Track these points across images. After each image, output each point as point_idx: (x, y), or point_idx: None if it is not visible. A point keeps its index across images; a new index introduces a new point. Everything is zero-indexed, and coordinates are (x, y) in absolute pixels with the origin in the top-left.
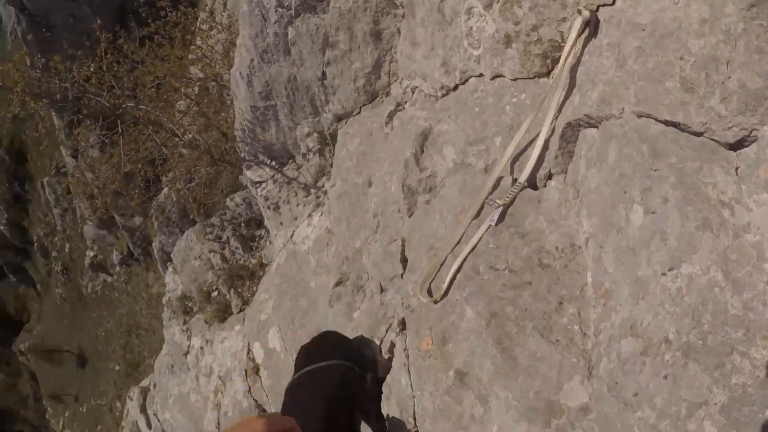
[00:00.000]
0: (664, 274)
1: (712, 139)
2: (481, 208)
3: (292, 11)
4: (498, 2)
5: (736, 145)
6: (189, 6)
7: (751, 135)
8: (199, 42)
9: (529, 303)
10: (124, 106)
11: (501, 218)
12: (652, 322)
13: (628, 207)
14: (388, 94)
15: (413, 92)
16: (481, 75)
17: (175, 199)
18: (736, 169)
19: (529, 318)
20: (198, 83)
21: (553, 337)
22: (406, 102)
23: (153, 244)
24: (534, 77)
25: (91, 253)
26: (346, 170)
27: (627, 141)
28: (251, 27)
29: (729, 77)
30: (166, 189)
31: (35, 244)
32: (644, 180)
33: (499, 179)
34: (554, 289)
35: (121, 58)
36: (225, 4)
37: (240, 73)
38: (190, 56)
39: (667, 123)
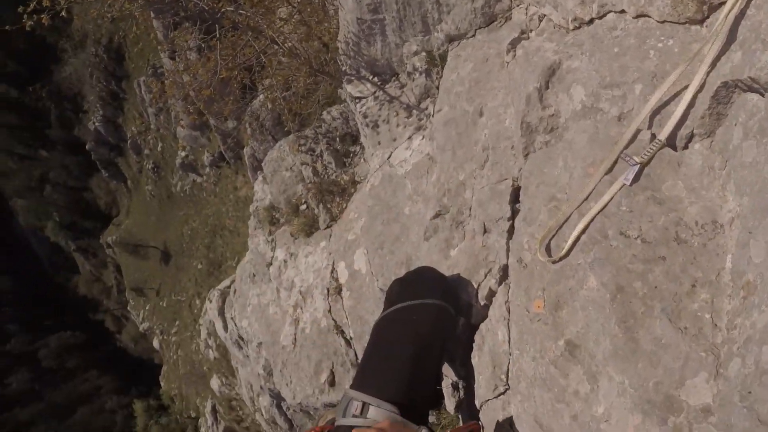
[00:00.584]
0: None
1: None
2: (615, 162)
3: None
4: None
5: None
6: None
7: None
8: None
9: (660, 281)
10: (223, 10)
11: (636, 178)
12: None
13: None
14: (508, 18)
15: (540, 20)
16: (622, 11)
17: (270, 107)
18: None
19: (658, 298)
20: None
21: (681, 324)
22: (531, 30)
23: (244, 150)
24: (686, 23)
25: (183, 153)
26: (456, 96)
27: None
28: None
29: None
30: (261, 96)
31: (129, 141)
32: None
33: (637, 132)
34: (689, 269)
35: None
36: None
37: None
38: None
39: None
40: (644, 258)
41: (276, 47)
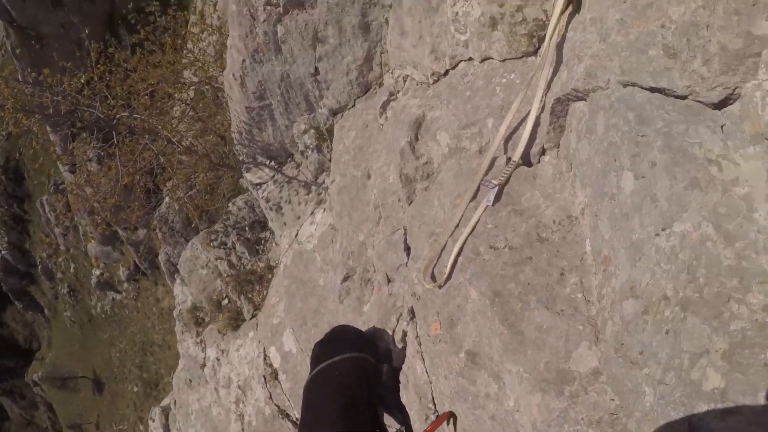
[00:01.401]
0: (657, 234)
1: (696, 101)
2: (478, 189)
3: (281, 8)
4: None
5: (720, 104)
6: (178, 9)
7: (735, 93)
8: (190, 45)
9: (531, 278)
10: (118, 116)
11: (497, 198)
12: (650, 282)
13: (619, 174)
14: (381, 84)
15: (405, 81)
16: (470, 59)
17: (177, 208)
18: (722, 126)
19: (532, 292)
20: (192, 87)
21: (557, 308)
22: (398, 91)
23: (159, 257)
24: (522, 57)
25: (97, 272)
26: (345, 164)
27: (614, 111)
28: (240, 27)
29: (709, 40)
30: (167, 198)
31: (39, 266)
32: (632, 147)
33: (494, 160)
34: (554, 261)
35: (113, 67)
36: (215, 5)
37: (233, 75)
38: (183, 60)
39: (652, 90)
40: (513, 262)
41: (174, 147)
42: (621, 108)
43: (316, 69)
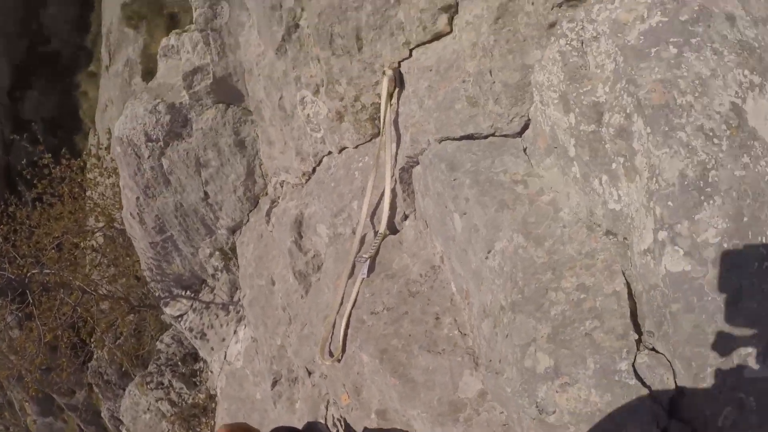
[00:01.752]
0: (486, 258)
1: (502, 135)
2: (353, 266)
3: (161, 142)
4: (323, 86)
5: (523, 131)
6: (72, 157)
7: (529, 118)
8: (89, 192)
9: (410, 329)
10: (29, 273)
11: (371, 269)
12: (491, 299)
13: (451, 217)
14: (266, 193)
15: (282, 186)
16: (329, 153)
17: (107, 359)
18: (525, 149)
19: (413, 341)
20: (99, 233)
21: (438, 348)
22: (278, 197)
23: (102, 414)
24: (371, 139)
25: None
26: (250, 277)
27: (433, 166)
28: (128, 167)
29: (494, 82)
30: (96, 352)
31: None
32: (450, 191)
33: (364, 236)
34: (428, 309)
35: (16, 226)
36: (107, 148)
37: (130, 214)
38: (84, 208)
39: (461, 138)
40: (392, 320)
41: (90, 296)
42: (436, 161)
43: (206, 193)
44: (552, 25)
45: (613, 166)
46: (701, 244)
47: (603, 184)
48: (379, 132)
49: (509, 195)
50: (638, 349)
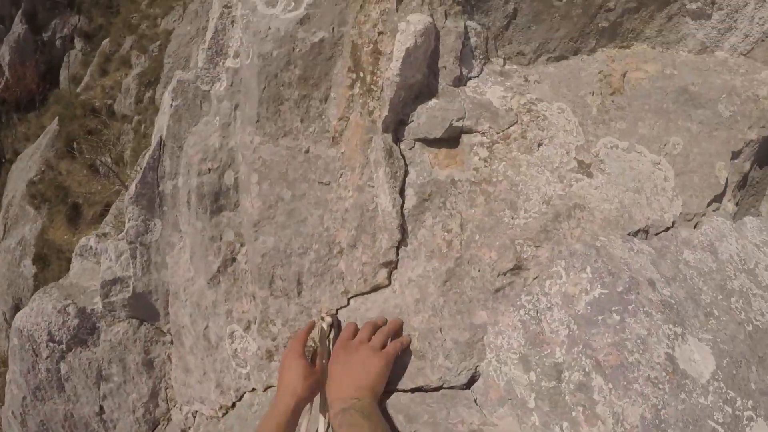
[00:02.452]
0: None
1: (450, 387)
2: None
3: (64, 345)
4: (255, 323)
5: (469, 383)
6: None
7: (477, 371)
8: None
9: None
10: None
11: None
12: None
13: None
14: (169, 420)
15: (195, 416)
16: (253, 389)
17: None
18: (475, 400)
19: None
20: None
21: None
22: (189, 427)
23: None
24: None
25: None
26: None
27: (389, 418)
28: (22, 362)
29: (445, 339)
30: None
31: None
32: None
33: None
34: None
35: None
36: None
37: (12, 412)
38: None
39: (413, 390)
40: None
41: None
42: (392, 413)
43: (101, 408)
44: (498, 290)
45: (574, 414)
46: None
47: (564, 430)
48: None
49: None
50: None
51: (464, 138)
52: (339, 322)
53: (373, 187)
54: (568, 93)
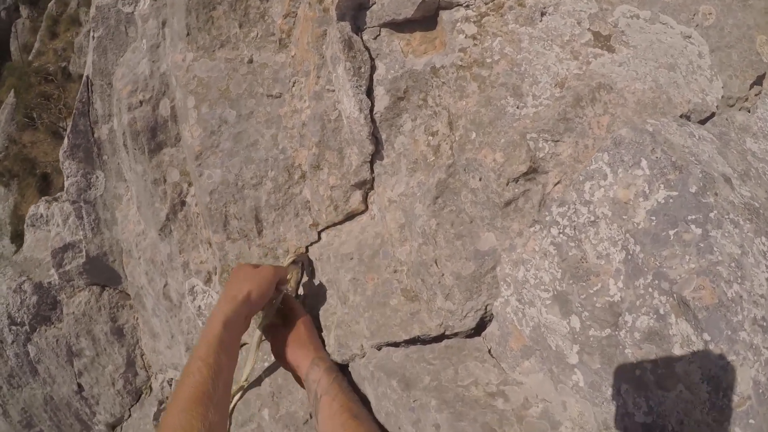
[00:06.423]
0: None
1: (454, 334)
2: None
3: (27, 326)
4: (216, 274)
5: (479, 328)
6: None
7: (488, 312)
8: None
9: None
10: None
11: None
12: None
13: None
14: (151, 388)
15: (171, 384)
16: None
17: None
18: (489, 350)
19: None
20: None
21: None
22: (167, 397)
23: None
24: None
25: None
26: None
27: (377, 381)
28: None
29: (443, 274)
30: None
31: None
32: (410, 414)
33: None
34: None
35: None
36: None
37: None
38: None
39: (407, 342)
40: None
41: None
42: (382, 376)
43: (80, 385)
44: (508, 204)
45: (637, 372)
46: None
47: (623, 394)
48: None
49: (491, 415)
50: None
51: (443, 15)
52: (311, 261)
53: (334, 91)
54: None
